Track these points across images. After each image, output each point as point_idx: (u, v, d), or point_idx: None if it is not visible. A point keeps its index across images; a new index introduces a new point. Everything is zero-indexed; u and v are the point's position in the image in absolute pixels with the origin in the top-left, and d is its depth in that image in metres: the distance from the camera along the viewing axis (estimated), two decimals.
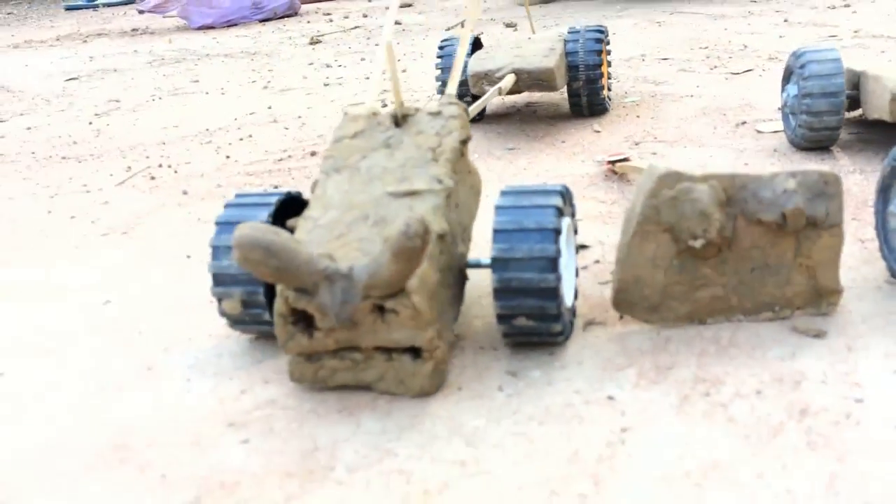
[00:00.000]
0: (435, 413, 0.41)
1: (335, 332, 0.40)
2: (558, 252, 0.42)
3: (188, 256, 0.67)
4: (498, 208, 0.44)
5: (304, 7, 2.93)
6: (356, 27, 2.20)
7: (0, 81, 1.77)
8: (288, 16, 2.67)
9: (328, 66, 1.57)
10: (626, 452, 0.37)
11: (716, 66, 1.19)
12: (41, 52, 2.29)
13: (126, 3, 4.10)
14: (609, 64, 1.00)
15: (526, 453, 0.38)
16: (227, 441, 0.41)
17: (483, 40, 1.06)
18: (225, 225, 0.47)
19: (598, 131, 0.91)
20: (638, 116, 0.96)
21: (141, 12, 2.56)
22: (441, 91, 0.97)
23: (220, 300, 0.47)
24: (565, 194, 0.46)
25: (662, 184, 0.44)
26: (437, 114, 0.50)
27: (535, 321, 0.43)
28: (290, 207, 0.50)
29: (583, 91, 0.93)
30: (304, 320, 0.41)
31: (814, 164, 0.73)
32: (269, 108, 1.23)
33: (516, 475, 0.36)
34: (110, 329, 0.55)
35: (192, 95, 1.41)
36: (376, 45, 1.73)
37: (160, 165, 0.96)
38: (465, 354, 0.46)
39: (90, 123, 1.25)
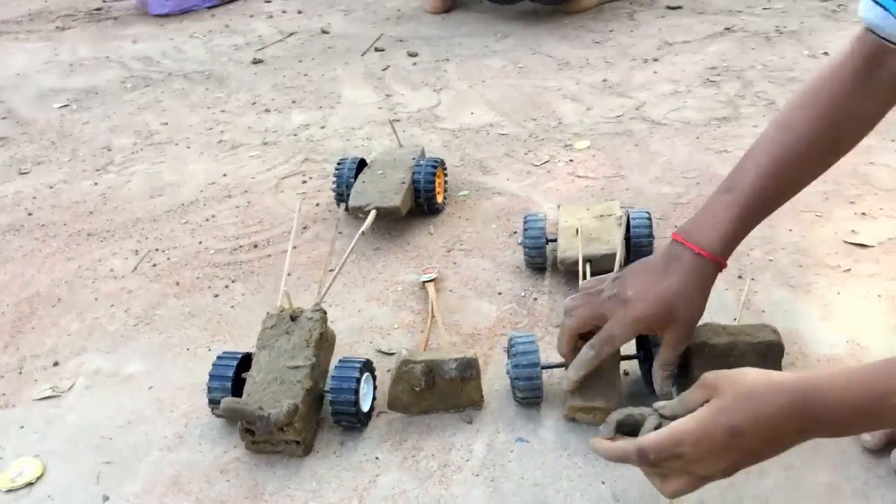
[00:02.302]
0: (308, 464, 1.02)
1: (263, 436, 1.00)
2: (357, 393, 1.02)
3: (187, 349, 1.24)
4: (335, 367, 1.03)
5: None
6: (292, 34, 2.66)
7: (8, 104, 2.25)
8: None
9: (267, 110, 2.09)
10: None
11: (529, 151, 1.75)
12: (23, 47, 2.71)
13: None
14: (445, 174, 1.57)
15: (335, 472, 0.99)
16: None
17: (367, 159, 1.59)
18: (214, 377, 1.06)
19: (432, 233, 1.48)
20: (459, 217, 1.53)
21: (104, 0, 2.96)
22: (338, 202, 1.52)
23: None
24: (364, 366, 1.05)
25: (402, 364, 1.04)
26: (310, 318, 1.08)
27: (346, 421, 1.03)
28: (246, 361, 1.08)
29: (423, 203, 1.50)
30: (249, 430, 1.00)
31: (532, 281, 1.32)
32: (224, 175, 1.77)
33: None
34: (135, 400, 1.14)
35: (165, 147, 1.93)
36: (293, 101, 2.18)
37: (157, 249, 1.51)
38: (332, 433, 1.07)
39: (95, 184, 1.78)
